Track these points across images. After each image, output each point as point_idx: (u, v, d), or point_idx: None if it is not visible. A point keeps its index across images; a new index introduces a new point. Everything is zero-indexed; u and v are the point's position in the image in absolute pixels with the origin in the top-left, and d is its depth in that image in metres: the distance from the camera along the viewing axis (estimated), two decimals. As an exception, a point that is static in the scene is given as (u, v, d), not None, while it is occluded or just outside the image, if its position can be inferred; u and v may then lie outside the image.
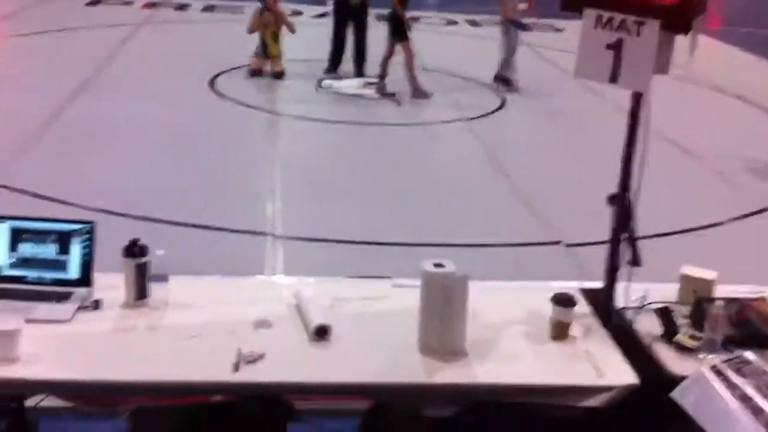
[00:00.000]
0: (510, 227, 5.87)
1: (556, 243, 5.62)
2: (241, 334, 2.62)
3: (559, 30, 12.34)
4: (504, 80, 9.69)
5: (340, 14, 10.24)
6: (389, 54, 9.23)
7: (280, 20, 9.92)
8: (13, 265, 2.84)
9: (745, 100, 9.90)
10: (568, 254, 5.44)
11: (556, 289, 2.86)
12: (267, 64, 9.78)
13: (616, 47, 3.67)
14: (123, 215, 5.41)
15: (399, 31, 9.08)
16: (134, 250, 2.79)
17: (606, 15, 3.66)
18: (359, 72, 10.10)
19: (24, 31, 11.48)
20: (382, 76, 9.32)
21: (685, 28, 3.59)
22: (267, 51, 9.80)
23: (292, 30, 9.87)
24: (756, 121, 9.32)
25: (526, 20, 9.63)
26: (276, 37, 9.86)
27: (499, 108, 9.13)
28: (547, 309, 2.75)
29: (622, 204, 3.49)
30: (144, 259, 2.78)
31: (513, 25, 9.53)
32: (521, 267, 5.13)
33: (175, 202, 5.83)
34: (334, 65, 10.27)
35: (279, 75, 9.78)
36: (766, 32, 15.23)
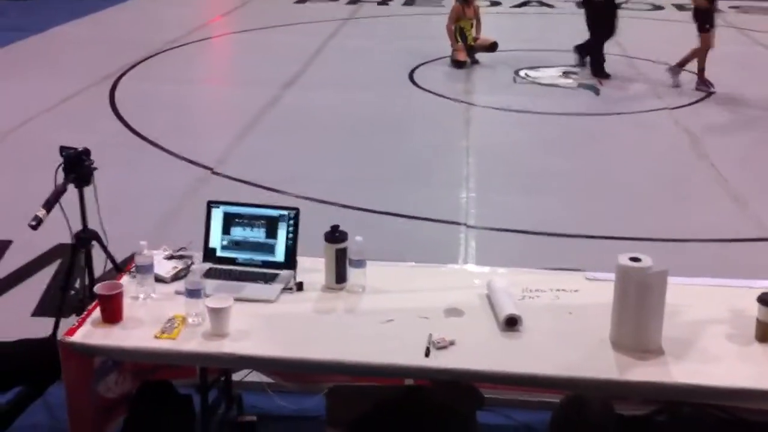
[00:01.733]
0: (716, 222, 5.57)
1: (765, 240, 5.27)
2: (432, 321, 2.69)
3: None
4: None
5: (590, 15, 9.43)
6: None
7: (478, 14, 10.02)
8: (225, 248, 3.07)
9: None
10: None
11: (764, 288, 2.71)
12: (466, 53, 9.84)
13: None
14: (325, 202, 5.66)
15: (702, 23, 8.61)
16: (335, 235, 2.93)
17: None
18: (581, 61, 9.63)
19: (241, 28, 12.24)
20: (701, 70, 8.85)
21: None
22: (466, 41, 9.87)
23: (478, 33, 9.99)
24: None
25: None
26: (474, 26, 9.96)
27: (706, 97, 8.65)
28: (753, 309, 2.61)
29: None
30: (344, 245, 2.91)
31: None
32: (726, 264, 4.86)
33: (373, 190, 6.01)
34: (599, 69, 9.51)
35: (473, 63, 9.88)
36: None
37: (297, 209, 3.07)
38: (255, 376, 3.28)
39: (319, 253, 2.96)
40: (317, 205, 5.54)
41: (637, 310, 2.52)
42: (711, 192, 6.14)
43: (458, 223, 5.50)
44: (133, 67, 9.58)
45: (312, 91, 8.73)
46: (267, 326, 2.68)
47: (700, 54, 8.74)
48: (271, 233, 3.04)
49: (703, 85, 8.80)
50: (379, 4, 14.27)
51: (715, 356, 2.52)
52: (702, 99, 8.58)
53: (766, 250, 5.16)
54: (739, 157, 6.88)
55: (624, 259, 2.54)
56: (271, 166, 6.48)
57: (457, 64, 9.80)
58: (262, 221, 3.05)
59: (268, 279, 2.94)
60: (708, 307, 2.80)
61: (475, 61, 9.97)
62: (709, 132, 7.56)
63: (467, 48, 9.89)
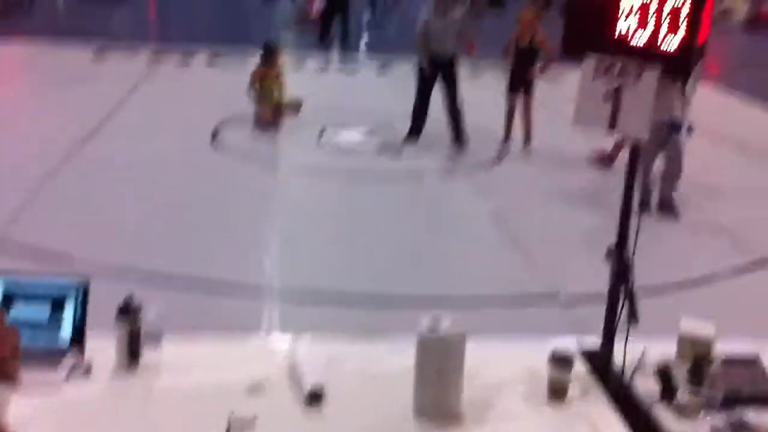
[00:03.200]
0: (509, 279, 5.85)
1: (554, 296, 5.57)
2: (234, 399, 2.58)
3: (560, 78, 12.42)
4: (669, 206, 7.42)
5: (428, 69, 9.33)
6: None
7: (282, 75, 10.09)
8: (4, 327, 2.81)
9: (744, 147, 9.92)
10: (567, 308, 5.39)
11: (555, 345, 2.82)
12: (270, 114, 9.85)
13: (616, 93, 3.69)
14: (119, 269, 5.39)
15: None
16: (128, 309, 2.76)
17: (606, 61, 3.70)
18: (458, 139, 9.40)
19: (29, 82, 11.60)
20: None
21: (684, 75, 3.61)
22: (269, 100, 9.88)
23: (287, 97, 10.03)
24: (754, 169, 9.33)
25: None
26: (278, 86, 10.00)
27: (499, 158, 9.14)
28: (546, 367, 2.71)
29: (619, 258, 3.47)
30: (137, 319, 2.75)
31: (672, 130, 7.21)
32: (519, 320, 5.10)
33: (172, 256, 5.81)
34: (416, 132, 9.53)
35: (277, 124, 9.87)
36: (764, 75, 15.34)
37: (87, 280, 2.87)
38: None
39: (111, 327, 2.78)
40: (111, 273, 5.27)
41: (438, 374, 2.55)
42: (504, 250, 6.44)
43: (262, 289, 5.42)
44: None
45: (107, 152, 8.40)
46: (52, 414, 2.46)
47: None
48: (57, 308, 2.83)
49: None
50: (181, 58, 14.03)
51: (511, 417, 2.59)
52: (497, 159, 9.05)
53: (557, 307, 5.45)
54: (529, 215, 7.28)
55: (424, 322, 2.57)
56: (62, 230, 6.13)
57: (262, 124, 9.78)
58: (47, 295, 2.83)
59: (53, 361, 2.72)
60: (505, 367, 2.88)
61: (279, 122, 9.98)
62: (501, 191, 7.98)
63: (271, 108, 9.91)
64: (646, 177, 7.33)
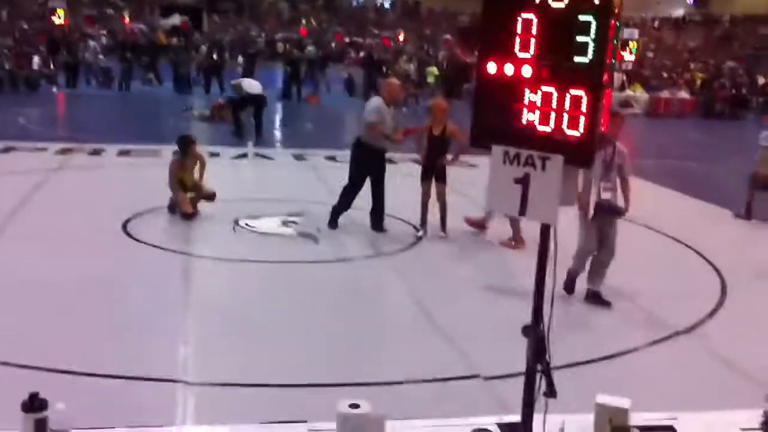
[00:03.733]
0: (429, 362, 5.81)
1: (475, 376, 5.57)
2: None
3: (472, 165, 12.75)
4: (596, 296, 7.35)
5: (361, 162, 9.51)
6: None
7: (202, 163, 10.06)
8: None
9: (651, 228, 10.30)
10: (487, 387, 5.38)
11: (475, 424, 2.82)
12: (189, 205, 9.74)
13: (524, 181, 3.82)
14: (24, 366, 5.15)
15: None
16: (33, 404, 2.65)
17: (513, 151, 3.83)
18: (378, 227, 9.56)
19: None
20: None
21: (587, 162, 3.79)
22: (187, 190, 9.80)
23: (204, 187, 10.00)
24: (662, 248, 9.67)
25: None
26: (198, 174, 9.95)
27: (417, 242, 9.24)
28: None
29: (535, 335, 3.53)
30: (43, 414, 2.64)
31: (609, 213, 7.31)
32: (440, 402, 5.04)
33: (80, 350, 5.59)
34: (337, 217, 9.65)
35: (195, 214, 9.77)
36: (664, 162, 16.10)
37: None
38: None
39: (17, 425, 2.65)
40: (15, 371, 5.02)
41: (359, 458, 2.50)
42: (424, 333, 6.44)
43: (176, 381, 5.25)
44: None
45: (14, 246, 8.12)
46: None
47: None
48: (-43, 407, 2.69)
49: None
50: (90, 153, 13.85)
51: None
52: (413, 244, 9.14)
53: (477, 386, 5.44)
54: (447, 298, 7.33)
55: (343, 407, 2.54)
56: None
57: (180, 215, 9.66)
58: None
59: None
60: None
61: (196, 212, 9.85)
62: (420, 275, 8.03)
63: (190, 198, 9.79)
64: (582, 261, 7.43)
